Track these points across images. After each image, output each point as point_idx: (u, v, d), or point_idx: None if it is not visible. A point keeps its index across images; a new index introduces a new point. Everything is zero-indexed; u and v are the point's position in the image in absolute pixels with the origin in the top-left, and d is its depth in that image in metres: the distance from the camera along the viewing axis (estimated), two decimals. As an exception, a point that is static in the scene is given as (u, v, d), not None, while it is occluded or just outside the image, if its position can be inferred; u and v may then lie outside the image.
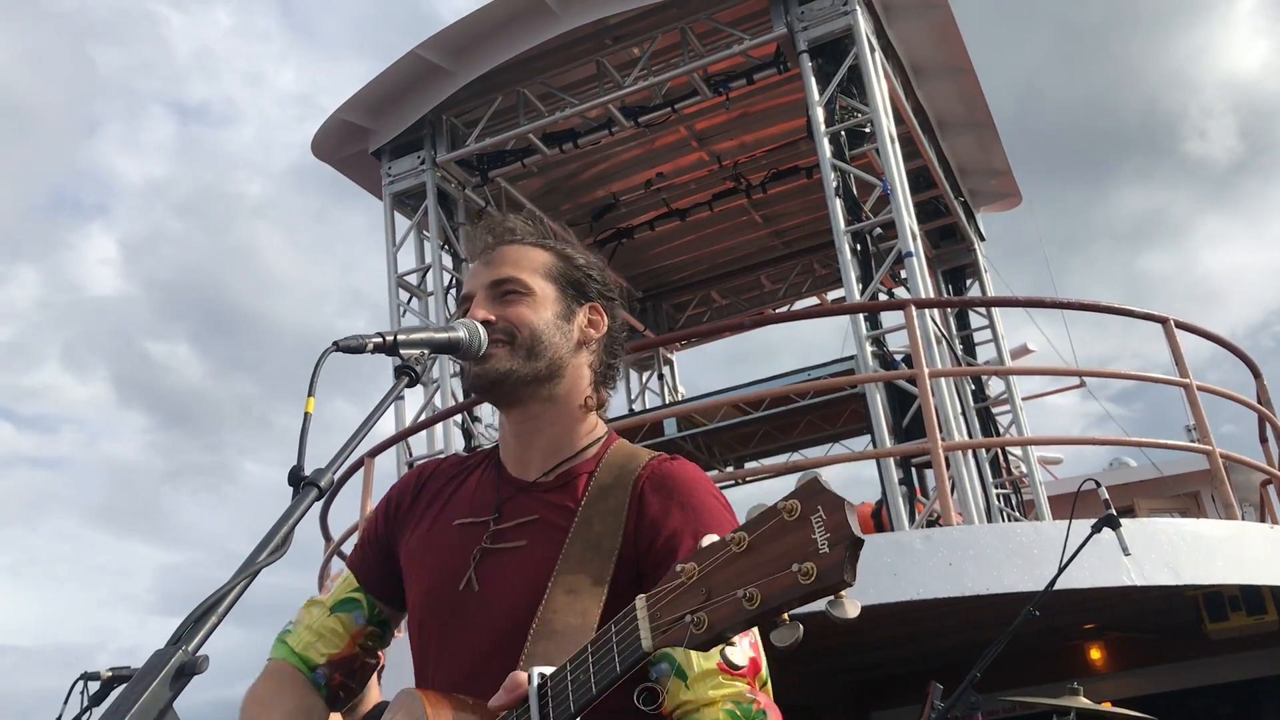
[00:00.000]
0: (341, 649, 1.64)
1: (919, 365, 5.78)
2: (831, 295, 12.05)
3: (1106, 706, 4.44)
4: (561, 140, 9.19)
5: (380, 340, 1.33)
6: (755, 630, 1.40)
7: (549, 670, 1.10)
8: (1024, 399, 10.41)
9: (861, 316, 7.25)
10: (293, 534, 1.09)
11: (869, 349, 7.19)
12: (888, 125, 7.74)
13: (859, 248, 7.54)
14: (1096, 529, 4.04)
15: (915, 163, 9.25)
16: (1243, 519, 5.90)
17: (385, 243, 9.49)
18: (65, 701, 2.28)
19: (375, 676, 3.24)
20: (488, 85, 9.09)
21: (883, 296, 7.60)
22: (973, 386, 9.97)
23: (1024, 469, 9.96)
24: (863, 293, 7.34)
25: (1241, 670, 7.15)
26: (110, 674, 2.29)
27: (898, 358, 7.32)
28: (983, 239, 11.13)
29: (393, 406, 9.01)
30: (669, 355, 12.70)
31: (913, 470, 7.03)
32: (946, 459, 5.82)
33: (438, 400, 8.85)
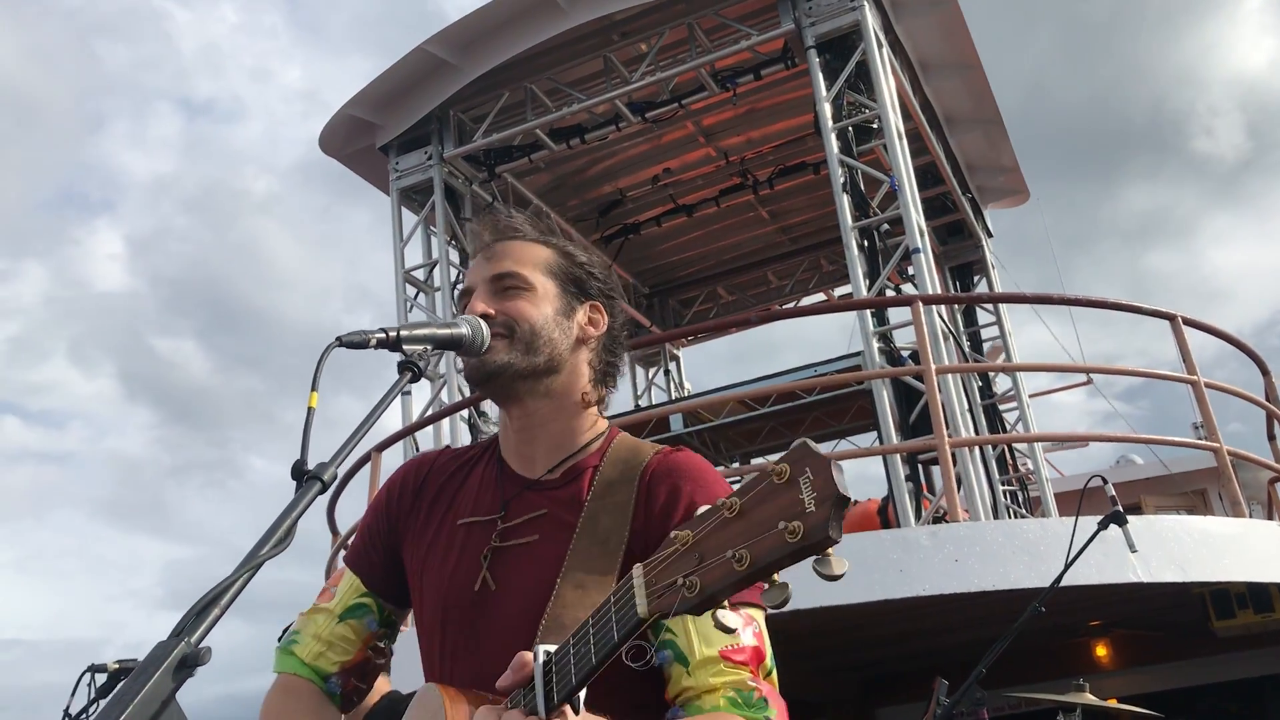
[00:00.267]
0: (354, 655, 1.63)
1: (926, 361, 5.77)
2: (838, 291, 12.04)
3: (1112, 704, 4.44)
4: (568, 136, 9.19)
5: (383, 336, 1.34)
6: (760, 619, 1.40)
7: (553, 647, 1.11)
8: (1030, 396, 10.40)
9: (869, 312, 7.24)
10: (296, 527, 1.09)
11: (876, 345, 7.18)
12: (895, 121, 7.73)
13: (866, 244, 7.53)
14: (1103, 525, 4.03)
15: (923, 159, 9.24)
16: (1250, 517, 5.89)
17: (392, 238, 9.50)
18: (73, 693, 2.30)
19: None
20: (495, 81, 9.09)
21: (890, 293, 7.59)
22: (980, 383, 9.96)
23: (1030, 466, 9.95)
24: (870, 289, 7.33)
25: (1248, 668, 7.13)
26: (117, 666, 2.31)
27: (905, 354, 7.32)
28: (990, 235, 11.11)
29: (400, 402, 9.02)
30: (675, 351, 12.70)
31: (919, 467, 7.03)
32: (953, 455, 5.82)
33: (444, 395, 8.87)
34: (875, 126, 7.79)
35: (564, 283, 1.61)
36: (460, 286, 1.64)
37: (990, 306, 10.72)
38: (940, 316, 7.26)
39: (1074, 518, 4.21)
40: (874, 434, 8.27)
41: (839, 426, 10.54)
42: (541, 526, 1.49)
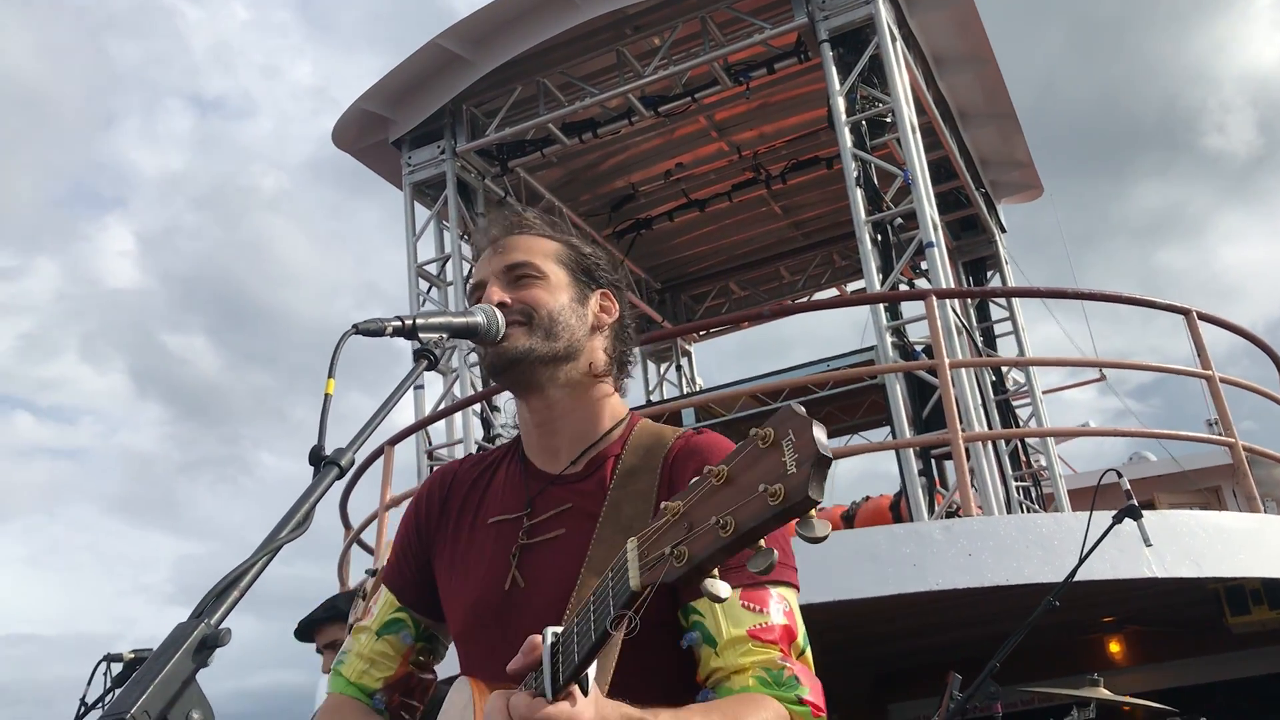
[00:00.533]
0: (395, 671, 1.64)
1: (939, 356, 5.76)
2: (851, 286, 12.01)
3: (1127, 699, 4.42)
4: (581, 130, 9.20)
5: (399, 324, 1.34)
6: (791, 599, 1.40)
7: (561, 629, 1.11)
8: (1043, 393, 10.37)
9: (882, 307, 7.23)
10: (314, 512, 1.09)
11: (889, 339, 7.17)
12: (909, 115, 7.71)
13: (879, 238, 7.51)
14: (1118, 520, 4.02)
15: (936, 153, 9.21)
16: (1265, 513, 5.86)
17: (405, 232, 9.52)
18: (89, 682, 2.31)
19: None
20: (508, 75, 9.10)
21: (903, 287, 7.57)
22: (993, 378, 9.93)
23: (1043, 462, 9.93)
24: (883, 283, 7.32)
25: (1264, 664, 7.10)
26: (133, 655, 2.32)
27: (918, 349, 7.30)
28: (1004, 230, 11.08)
29: (411, 396, 9.03)
30: (687, 346, 12.70)
31: (932, 461, 7.02)
32: (966, 450, 5.80)
33: (456, 389, 8.88)
34: (889, 121, 7.77)
35: (575, 272, 1.61)
36: (471, 281, 1.63)
37: (1003, 301, 10.69)
38: (953, 311, 7.24)
39: (1088, 512, 4.20)
40: (887, 429, 8.25)
41: (852, 421, 10.53)
42: (567, 520, 1.49)
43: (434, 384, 9.07)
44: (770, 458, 0.93)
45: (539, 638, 1.12)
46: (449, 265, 9.37)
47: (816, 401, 9.62)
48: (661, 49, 8.69)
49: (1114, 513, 4.05)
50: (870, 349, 7.68)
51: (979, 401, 7.48)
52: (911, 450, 6.76)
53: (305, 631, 3.33)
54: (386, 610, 1.67)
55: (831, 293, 12.24)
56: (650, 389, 12.37)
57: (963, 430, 5.78)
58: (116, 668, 2.36)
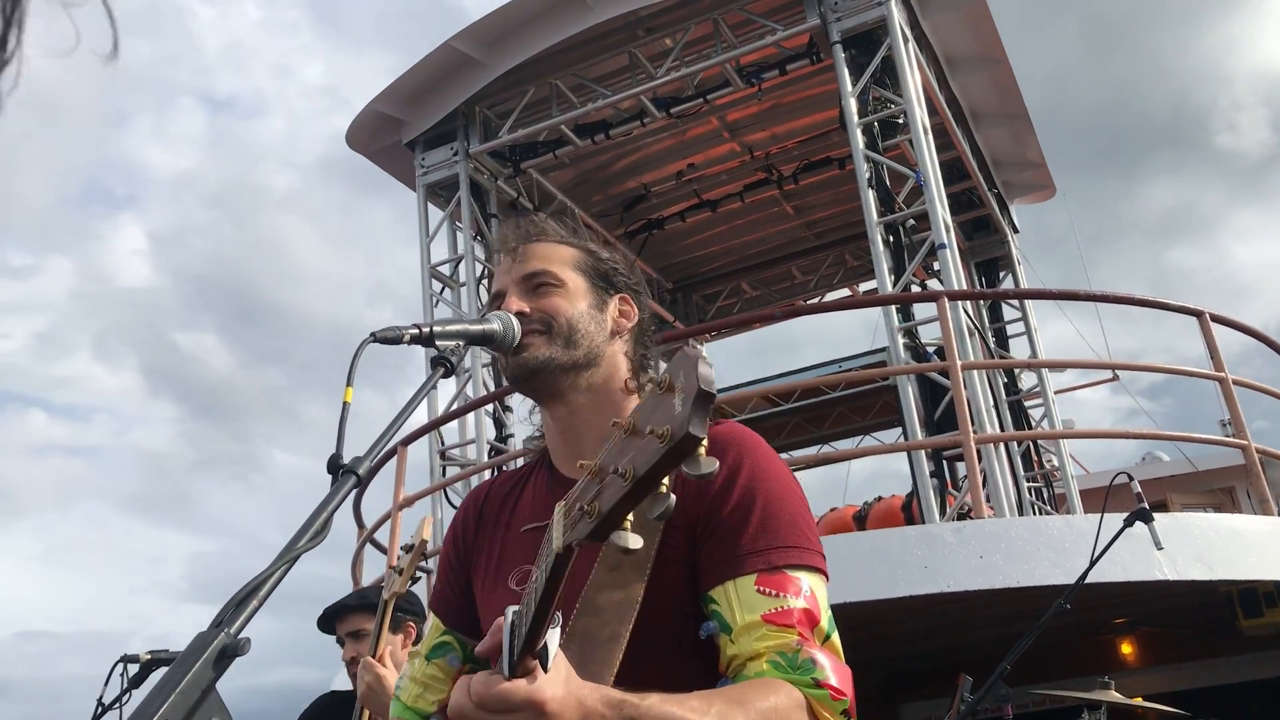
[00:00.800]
0: (447, 694, 1.65)
1: (951, 357, 5.76)
2: (863, 287, 12.01)
3: (1138, 702, 4.42)
4: (593, 131, 9.21)
5: (417, 332, 1.35)
6: (812, 582, 1.37)
7: (519, 607, 1.11)
8: (1055, 393, 10.35)
9: (894, 308, 7.22)
10: (332, 520, 1.11)
11: (901, 341, 7.16)
12: (921, 116, 7.70)
13: (891, 239, 7.51)
14: (1129, 522, 4.01)
15: (948, 154, 9.20)
16: (1278, 515, 5.84)
17: (418, 233, 9.54)
18: (106, 683, 2.33)
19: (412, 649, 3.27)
20: (520, 77, 9.12)
21: (915, 288, 7.57)
22: (1005, 379, 9.92)
23: (1055, 462, 9.90)
24: (895, 284, 7.32)
25: (1276, 667, 7.08)
26: (149, 657, 2.34)
27: (930, 349, 7.30)
28: (1016, 231, 11.06)
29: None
30: (699, 347, 12.69)
31: (944, 463, 7.02)
32: (978, 451, 5.80)
33: (469, 390, 8.91)
34: (901, 121, 7.76)
35: (593, 278, 1.62)
36: (491, 289, 1.64)
37: (1016, 302, 10.68)
38: (966, 312, 7.23)
39: (1099, 514, 4.19)
40: (899, 430, 8.25)
41: (863, 422, 10.53)
42: None
43: (446, 384, 9.08)
44: (665, 402, 0.92)
45: (501, 618, 1.13)
46: (462, 266, 9.39)
47: (829, 402, 9.64)
48: (674, 50, 8.70)
49: (1125, 515, 4.04)
50: (882, 350, 7.69)
51: (991, 402, 7.47)
52: (923, 451, 6.76)
53: (331, 619, 3.34)
54: (434, 634, 1.70)
55: (843, 293, 12.23)
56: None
57: (975, 432, 5.78)
58: (133, 668, 2.38)
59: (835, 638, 1.36)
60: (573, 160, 9.96)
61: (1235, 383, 6.09)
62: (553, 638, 1.09)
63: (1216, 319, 6.33)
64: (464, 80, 9.16)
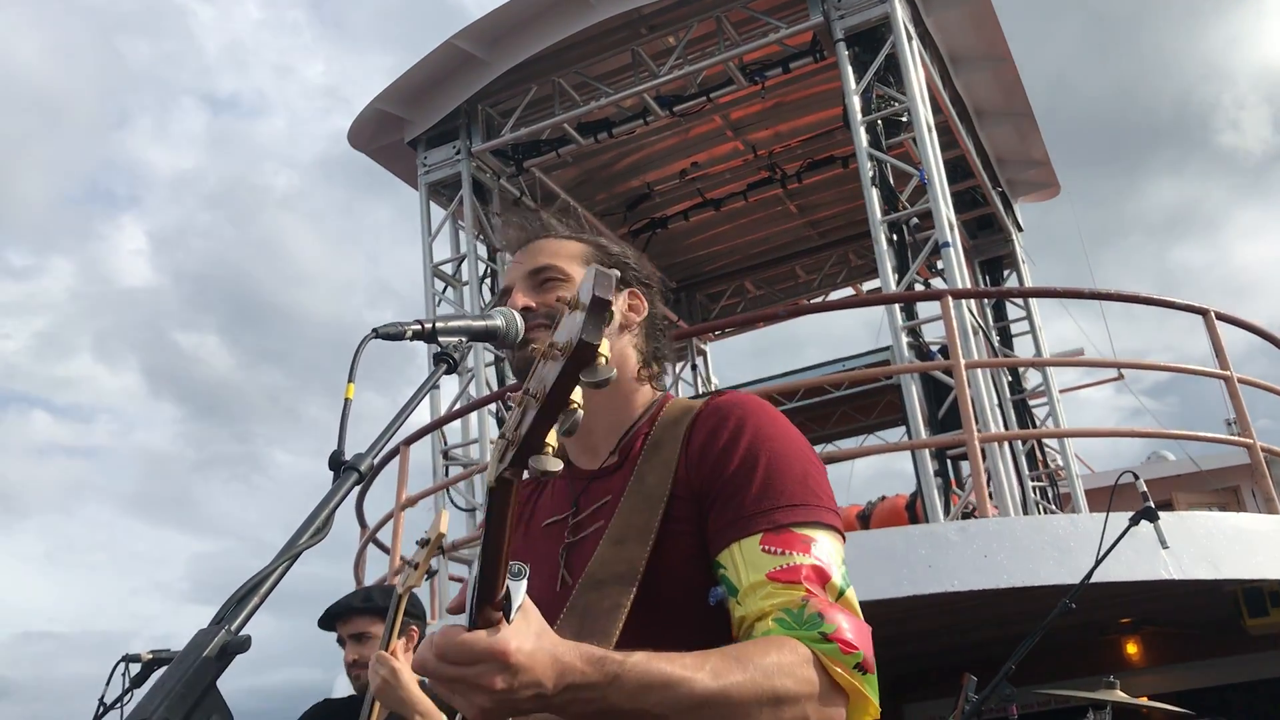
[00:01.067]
0: None
1: (955, 356, 5.75)
2: (867, 286, 12.00)
3: (1144, 702, 4.41)
4: (596, 130, 9.21)
5: (419, 327, 1.34)
6: (824, 538, 1.33)
7: None
8: (1060, 392, 10.33)
9: (897, 307, 7.21)
10: (333, 517, 1.10)
11: (905, 340, 7.16)
12: (925, 114, 7.69)
13: (895, 238, 7.50)
14: (1134, 521, 4.00)
15: (952, 152, 9.19)
16: (1284, 513, 5.83)
17: (420, 232, 9.54)
18: (107, 683, 2.32)
19: (412, 653, 3.26)
20: (523, 75, 9.12)
21: (919, 287, 7.56)
22: (1009, 378, 9.91)
23: (1060, 462, 9.89)
24: (899, 283, 7.31)
25: (1281, 667, 7.07)
26: (151, 656, 2.32)
27: (934, 348, 7.29)
28: (1020, 229, 11.04)
29: (427, 396, 9.15)
30: (702, 346, 12.70)
31: (948, 462, 7.01)
32: (982, 450, 5.79)
33: (472, 389, 8.91)
34: (904, 120, 7.75)
35: None
36: (500, 285, 1.65)
37: (1020, 301, 10.66)
38: (970, 311, 7.22)
39: (1104, 513, 4.18)
40: (903, 429, 8.24)
41: (867, 421, 10.52)
42: (606, 513, 1.48)
43: (449, 383, 9.10)
44: (571, 319, 0.93)
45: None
46: (464, 265, 9.40)
47: (832, 401, 9.63)
48: (676, 49, 8.69)
49: (1131, 514, 4.03)
50: (886, 349, 7.68)
51: (995, 401, 7.47)
52: (927, 450, 6.75)
53: (333, 619, 3.32)
54: None
55: (847, 292, 12.23)
56: (667, 388, 12.36)
57: (979, 431, 5.77)
58: (135, 668, 2.37)
59: (851, 594, 1.30)
60: (576, 159, 9.95)
61: (1240, 381, 6.08)
62: (516, 589, 1.06)
63: (1222, 317, 6.31)
64: (466, 79, 9.16)
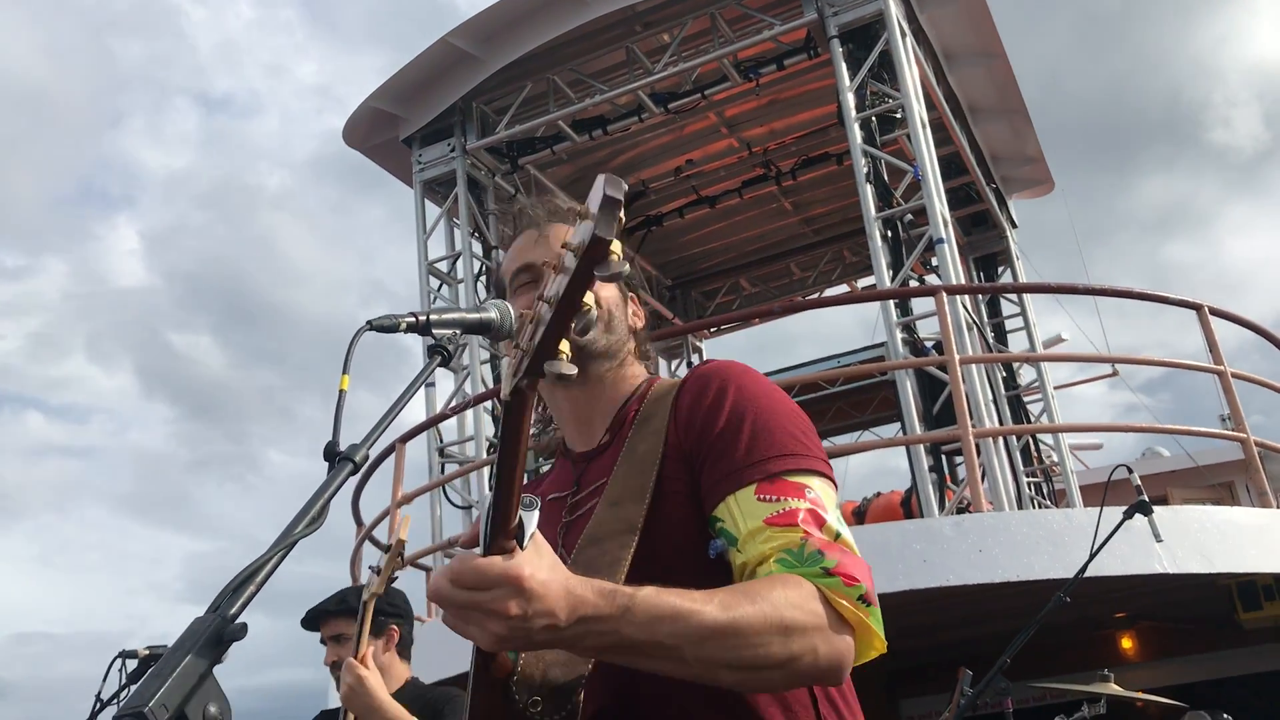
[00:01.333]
0: None
1: (950, 352, 5.76)
2: (862, 282, 12.01)
3: (1138, 695, 4.42)
4: (591, 127, 9.21)
5: (413, 320, 1.34)
6: (816, 485, 1.36)
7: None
8: (1055, 388, 10.35)
9: (892, 303, 7.22)
10: (329, 507, 1.10)
11: (900, 336, 7.17)
12: (919, 111, 7.70)
13: (890, 234, 7.51)
14: (1128, 515, 4.01)
15: (947, 149, 9.20)
16: (1277, 508, 5.85)
17: (416, 230, 9.53)
18: (104, 679, 2.32)
19: (395, 652, 3.27)
20: (517, 72, 9.11)
21: (914, 283, 7.56)
22: (1004, 374, 9.92)
23: (1055, 457, 9.90)
24: (893, 279, 7.31)
25: (1275, 660, 7.08)
26: (148, 652, 2.33)
27: (928, 345, 7.30)
28: (1014, 226, 11.05)
29: (423, 394, 9.06)
30: (698, 343, 12.70)
31: (943, 457, 7.02)
32: (977, 446, 5.80)
33: (468, 387, 8.90)
34: (898, 116, 7.76)
35: None
36: (514, 265, 1.63)
37: (1014, 297, 10.68)
38: (964, 307, 7.23)
39: (1099, 508, 4.19)
40: (897, 425, 8.25)
41: (862, 417, 10.54)
42: (603, 490, 1.51)
43: (445, 381, 9.10)
44: (581, 226, 0.94)
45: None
46: (460, 262, 9.39)
47: (827, 398, 9.64)
48: (671, 46, 8.69)
49: (1125, 508, 4.05)
50: (881, 345, 7.68)
51: (990, 397, 7.47)
52: (922, 446, 6.76)
53: (312, 621, 3.33)
54: None
55: (842, 289, 12.23)
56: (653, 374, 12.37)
57: (973, 426, 5.78)
58: (132, 664, 2.37)
59: (846, 535, 1.32)
60: (570, 156, 9.95)
61: (1234, 376, 6.10)
62: (529, 519, 1.08)
63: (1216, 312, 6.33)
64: (461, 76, 9.15)
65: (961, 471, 6.89)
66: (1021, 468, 8.95)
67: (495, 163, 9.63)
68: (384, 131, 9.68)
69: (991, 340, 10.21)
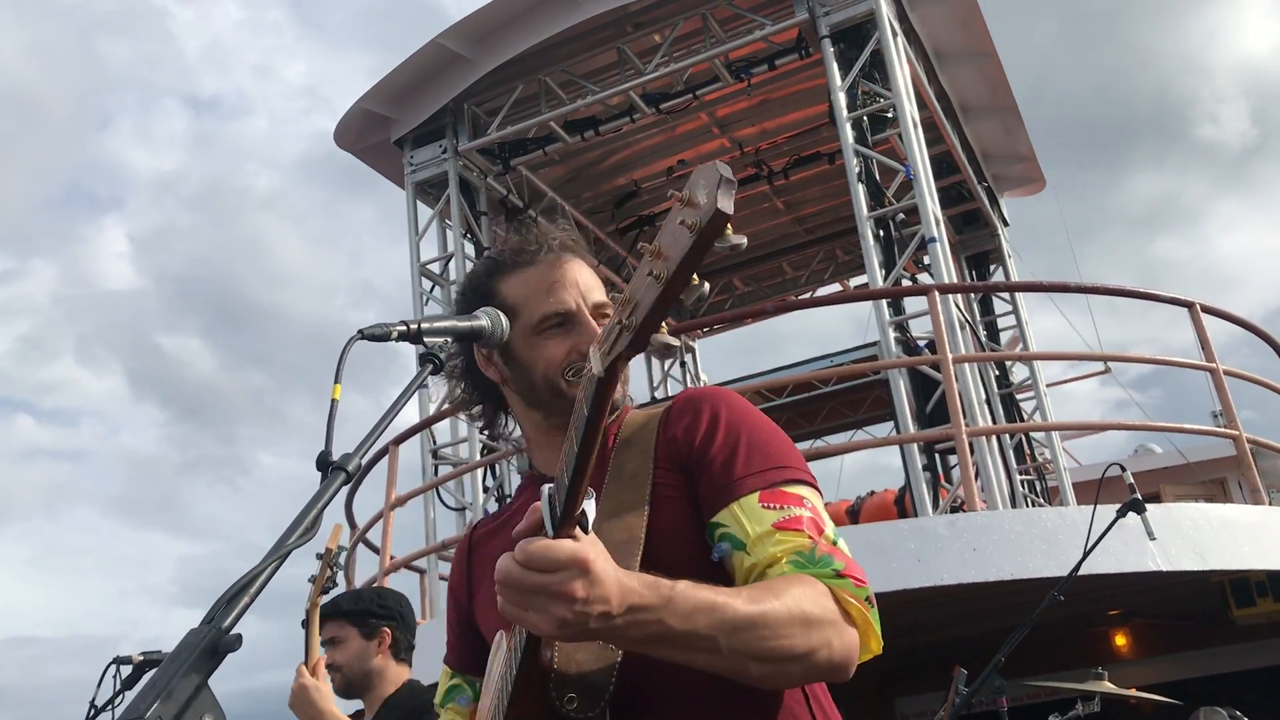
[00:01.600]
0: None
1: (943, 351, 5.77)
2: (854, 281, 12.02)
3: (1132, 692, 4.43)
4: (583, 128, 9.20)
5: (404, 328, 1.35)
6: (812, 497, 1.41)
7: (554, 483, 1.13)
8: (1047, 385, 10.37)
9: (885, 302, 7.23)
10: (322, 516, 1.11)
11: (892, 335, 7.17)
12: (910, 110, 7.71)
13: (882, 233, 7.52)
14: (1121, 513, 4.03)
15: (938, 148, 9.21)
16: (1270, 505, 5.87)
17: (408, 232, 9.53)
18: (99, 685, 2.32)
19: (389, 655, 3.27)
20: (509, 73, 9.11)
21: (906, 282, 7.57)
22: (996, 372, 9.93)
23: (1048, 455, 9.92)
24: (886, 278, 7.32)
25: (1269, 656, 7.11)
26: (142, 658, 2.32)
27: (921, 343, 7.31)
28: (1006, 224, 11.07)
29: (415, 396, 9.12)
30: (690, 343, 12.70)
31: (936, 456, 7.03)
32: (970, 444, 5.81)
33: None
34: (890, 116, 7.77)
35: None
36: (559, 301, 1.55)
37: (1006, 295, 10.70)
38: (956, 305, 7.24)
39: (1092, 506, 4.20)
40: (890, 424, 8.26)
41: (855, 417, 10.53)
42: None
43: (438, 383, 9.08)
44: (687, 211, 0.96)
45: (539, 503, 1.13)
46: (451, 264, 9.39)
47: (820, 397, 9.63)
48: (662, 46, 8.69)
49: (1118, 507, 4.06)
50: (873, 344, 7.69)
51: (983, 396, 7.48)
52: (915, 445, 6.77)
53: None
54: (444, 681, 1.75)
55: (834, 288, 12.24)
56: (655, 385, 12.39)
57: (966, 425, 5.79)
58: (125, 670, 2.37)
59: (842, 543, 1.38)
60: (563, 157, 9.94)
61: (1226, 373, 6.11)
62: (590, 507, 1.10)
63: (1207, 309, 6.35)
64: (452, 77, 9.14)
65: (955, 470, 6.90)
66: (1015, 466, 8.97)
67: (487, 164, 9.63)
68: (375, 133, 9.67)
69: (984, 338, 10.23)
